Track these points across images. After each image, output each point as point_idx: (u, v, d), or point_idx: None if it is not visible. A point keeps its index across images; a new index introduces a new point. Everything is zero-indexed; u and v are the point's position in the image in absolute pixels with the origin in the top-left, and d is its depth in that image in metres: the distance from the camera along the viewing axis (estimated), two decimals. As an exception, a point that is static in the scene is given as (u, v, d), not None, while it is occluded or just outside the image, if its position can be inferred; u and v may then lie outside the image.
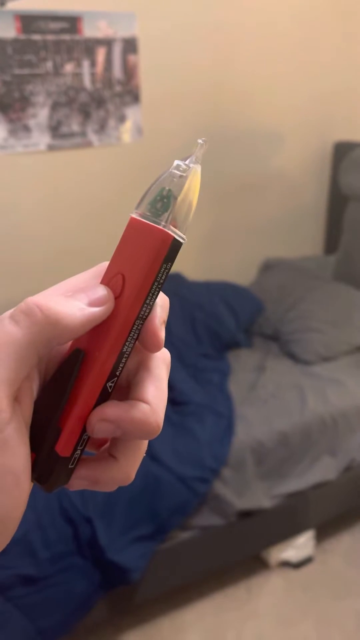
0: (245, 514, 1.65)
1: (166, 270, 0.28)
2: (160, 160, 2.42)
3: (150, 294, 0.28)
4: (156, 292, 0.28)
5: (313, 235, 2.92)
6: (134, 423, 0.28)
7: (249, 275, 2.72)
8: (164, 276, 0.28)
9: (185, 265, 2.54)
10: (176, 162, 0.29)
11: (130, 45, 2.22)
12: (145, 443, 0.32)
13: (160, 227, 0.27)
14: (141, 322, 0.28)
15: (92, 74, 2.18)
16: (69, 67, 2.13)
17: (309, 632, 1.67)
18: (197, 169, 0.28)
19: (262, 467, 1.66)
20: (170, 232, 0.27)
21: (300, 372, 1.94)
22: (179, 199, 0.27)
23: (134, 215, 0.28)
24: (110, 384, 0.29)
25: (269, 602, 1.76)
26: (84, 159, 2.27)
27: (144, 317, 0.28)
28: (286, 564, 1.86)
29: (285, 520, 1.75)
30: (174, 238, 0.27)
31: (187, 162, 0.29)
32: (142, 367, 0.30)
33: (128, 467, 0.31)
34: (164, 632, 1.66)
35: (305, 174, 2.80)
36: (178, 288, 2.18)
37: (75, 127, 2.21)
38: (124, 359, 0.29)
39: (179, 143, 2.43)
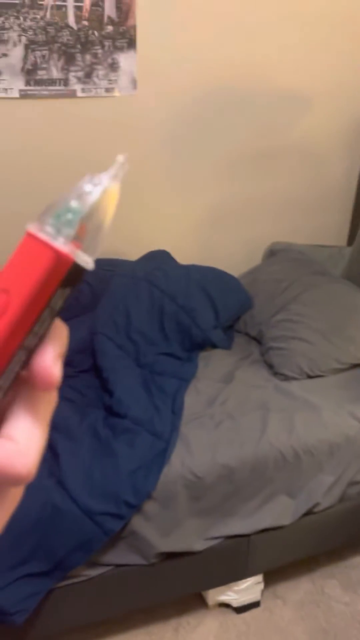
0: (172, 554, 1.41)
1: (63, 296, 0.24)
2: (156, 120, 2.08)
3: (40, 322, 0.24)
4: (48, 320, 0.24)
5: (337, 219, 2.53)
6: None
7: (255, 262, 2.39)
8: (59, 302, 0.24)
9: (178, 243, 2.24)
10: (88, 175, 0.25)
11: (126, -23, 1.87)
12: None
13: (58, 246, 0.23)
14: (26, 353, 0.24)
15: (79, 9, 1.85)
16: (49, -1, 1.81)
17: None
18: (112, 187, 0.24)
19: (198, 503, 1.40)
20: (70, 253, 0.23)
21: (273, 389, 1.64)
22: (86, 217, 0.23)
23: (30, 229, 0.23)
24: None
25: (197, 649, 1.54)
26: (65, 111, 1.97)
27: (31, 347, 0.24)
28: (227, 605, 1.62)
29: (222, 565, 1.50)
30: (75, 261, 0.23)
31: (102, 177, 0.25)
32: (18, 399, 0.25)
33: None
34: (67, 668, 1.47)
35: (334, 146, 2.39)
36: (152, 270, 1.89)
37: (55, 72, 1.91)
38: None
39: (180, 101, 2.08)
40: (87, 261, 0.24)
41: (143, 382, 1.61)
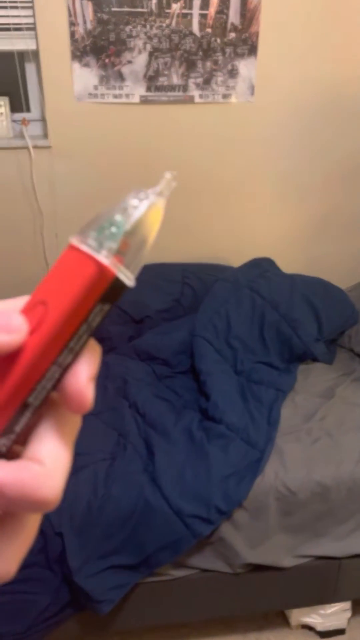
0: (259, 566, 1.38)
1: (102, 313, 0.23)
2: (270, 127, 2.07)
3: (76, 338, 0.23)
4: (84, 337, 0.23)
5: None
6: (23, 489, 0.22)
7: (363, 274, 2.30)
8: (97, 319, 0.23)
9: (283, 252, 2.20)
10: (135, 190, 0.24)
11: (253, -16, 1.87)
12: (34, 523, 0.25)
13: (101, 259, 0.22)
14: (59, 370, 0.23)
15: (203, 17, 1.88)
16: (176, 7, 1.85)
17: None
18: (158, 203, 0.24)
19: (290, 519, 1.36)
20: (112, 267, 0.22)
21: (376, 410, 1.56)
22: (130, 232, 0.23)
23: (73, 241, 0.23)
24: (5, 441, 0.23)
25: (275, 668, 1.50)
26: (182, 117, 2.01)
27: (64, 365, 0.23)
28: (311, 628, 1.57)
29: (310, 585, 1.45)
30: (116, 276, 0.23)
31: (148, 192, 0.24)
32: (44, 420, 0.24)
33: (6, 555, 0.23)
34: (145, 664, 1.49)
35: None
36: (256, 277, 1.87)
37: (175, 78, 1.95)
38: (28, 413, 0.23)
39: (296, 109, 2.05)
40: (128, 277, 0.23)
41: (239, 389, 1.60)
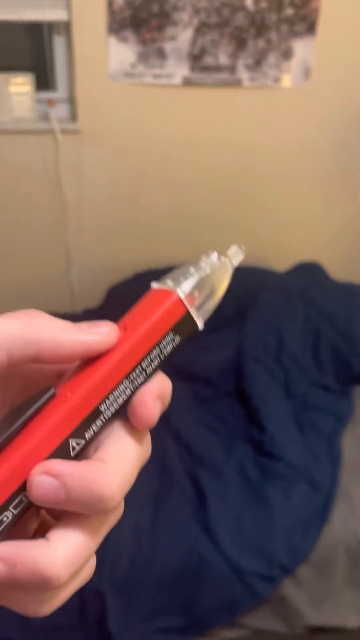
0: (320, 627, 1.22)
1: (173, 343, 0.26)
2: (326, 116, 1.86)
3: (148, 359, 0.25)
4: (155, 362, 0.26)
5: None
6: (83, 481, 0.22)
7: None
8: (169, 347, 0.26)
9: (331, 257, 2.00)
10: (210, 253, 0.28)
11: None
12: (99, 529, 0.24)
13: (177, 292, 0.26)
14: (131, 386, 0.25)
15: (258, -11, 1.66)
16: (228, -23, 1.63)
17: None
18: (227, 267, 0.28)
19: (359, 572, 1.19)
20: (185, 302, 0.26)
21: None
22: (204, 277, 0.27)
23: (153, 286, 0.27)
24: (75, 443, 0.24)
25: None
26: (228, 101, 1.80)
27: (136, 383, 0.25)
28: None
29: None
30: (188, 311, 0.26)
31: (220, 257, 0.28)
32: (109, 435, 0.25)
33: (62, 556, 0.22)
34: None
35: None
36: (309, 286, 1.68)
37: (223, 58, 1.73)
38: (99, 421, 0.25)
39: (357, 99, 1.84)
40: (198, 317, 0.26)
41: (294, 416, 1.42)
